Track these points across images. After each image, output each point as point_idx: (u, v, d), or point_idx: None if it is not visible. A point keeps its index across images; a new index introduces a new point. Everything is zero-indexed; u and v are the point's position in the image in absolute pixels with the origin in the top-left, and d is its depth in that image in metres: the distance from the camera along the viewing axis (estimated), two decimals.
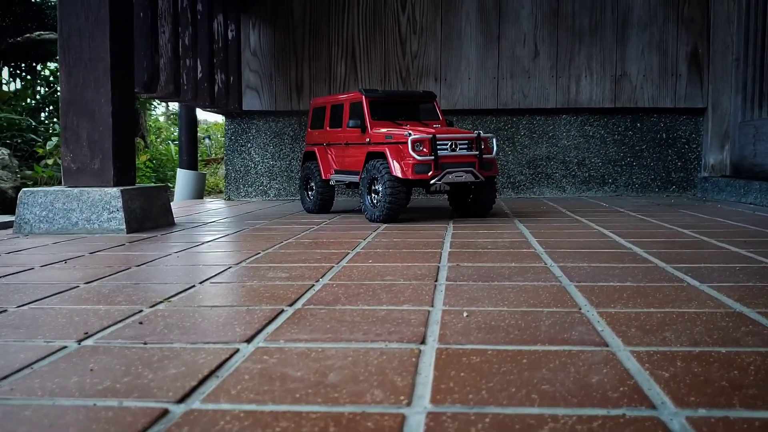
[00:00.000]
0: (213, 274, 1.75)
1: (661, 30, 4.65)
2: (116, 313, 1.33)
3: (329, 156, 3.56)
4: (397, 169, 2.96)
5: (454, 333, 1.14)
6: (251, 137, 4.95)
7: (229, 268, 1.86)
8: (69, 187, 2.88)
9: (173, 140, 11.94)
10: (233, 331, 1.16)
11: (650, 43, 4.66)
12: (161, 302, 1.43)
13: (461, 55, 4.72)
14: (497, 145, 3.10)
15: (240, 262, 1.95)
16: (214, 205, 4.47)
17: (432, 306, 1.34)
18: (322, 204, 3.60)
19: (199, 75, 4.06)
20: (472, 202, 3.23)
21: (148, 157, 10.19)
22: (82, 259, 2.06)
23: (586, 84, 4.70)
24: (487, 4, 4.69)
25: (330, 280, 1.65)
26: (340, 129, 3.44)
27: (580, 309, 1.32)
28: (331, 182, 3.51)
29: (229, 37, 4.55)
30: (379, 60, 4.77)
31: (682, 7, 4.64)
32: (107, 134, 2.89)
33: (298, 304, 1.37)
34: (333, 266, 1.85)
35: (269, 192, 4.96)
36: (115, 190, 2.81)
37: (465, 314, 1.27)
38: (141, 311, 1.34)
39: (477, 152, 3.05)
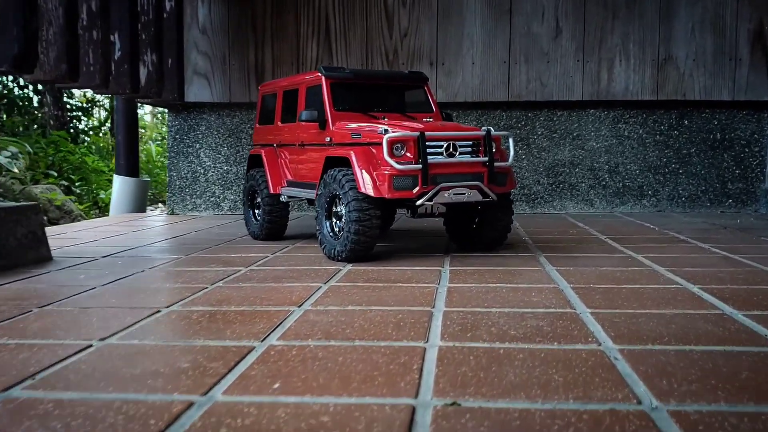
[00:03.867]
0: None
1: (716, 3, 3.67)
2: None
3: (280, 161, 2.58)
4: (366, 184, 1.98)
5: None
6: (200, 136, 3.97)
7: None
8: None
9: (155, 140, 11.04)
10: None
11: (702, 19, 3.67)
12: None
13: (463, 34, 3.73)
14: (514, 148, 2.09)
15: (21, 382, 0.97)
16: (147, 223, 3.49)
17: None
18: (271, 228, 2.61)
19: (117, 54, 3.07)
20: (479, 230, 2.24)
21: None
22: None
23: (621, 71, 3.71)
24: None
25: None
26: (294, 124, 2.46)
27: None
28: (283, 198, 2.53)
29: (166, 7, 3.56)
30: (359, 39, 3.78)
31: None
32: None
33: None
34: (191, 404, 0.87)
35: (222, 205, 3.97)
36: None
37: None
38: None
39: (486, 158, 2.07)
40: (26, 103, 8.67)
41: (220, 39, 3.83)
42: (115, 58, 3.08)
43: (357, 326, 1.27)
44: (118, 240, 2.75)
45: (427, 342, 1.16)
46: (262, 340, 1.18)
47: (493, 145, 2.09)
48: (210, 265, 2.05)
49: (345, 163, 2.09)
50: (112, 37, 3.06)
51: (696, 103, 3.76)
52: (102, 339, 1.21)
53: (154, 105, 3.82)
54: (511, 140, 2.18)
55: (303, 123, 2.35)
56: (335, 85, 2.29)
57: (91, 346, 1.17)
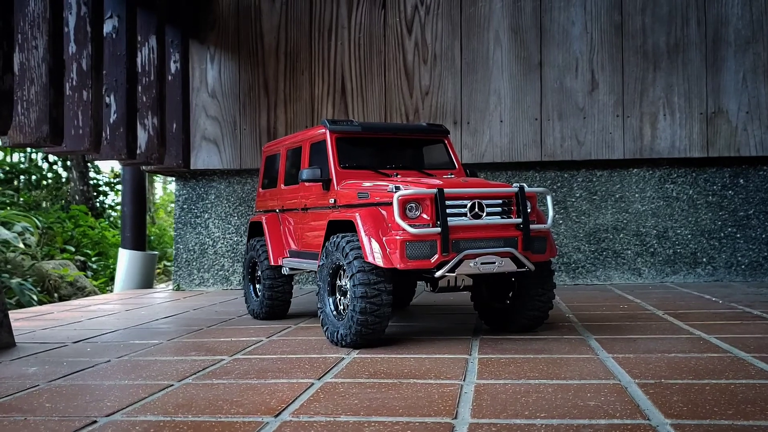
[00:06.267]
0: None
1: None
2: None
3: (283, 229, 2.26)
4: (374, 252, 1.63)
5: None
6: (209, 205, 3.69)
7: None
8: None
9: None
10: None
11: (755, 67, 3.34)
12: None
13: (489, 90, 3.45)
14: (553, 208, 1.75)
15: None
16: (146, 300, 3.18)
17: None
18: (272, 305, 2.27)
19: (113, 116, 2.83)
20: (514, 308, 1.87)
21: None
22: None
23: (666, 126, 3.37)
24: (522, 20, 3.44)
25: None
26: (297, 186, 2.15)
27: None
28: (285, 271, 2.20)
29: (172, 69, 3.35)
30: (377, 98, 3.52)
31: None
32: None
33: None
34: None
35: (232, 279, 3.65)
36: None
37: None
38: None
39: (520, 219, 1.72)
40: (46, 177, 8.59)
41: (230, 103, 3.59)
42: (111, 120, 2.84)
43: None
44: (102, 321, 2.43)
45: None
46: None
47: (528, 204, 1.75)
48: (189, 353, 1.71)
49: (350, 227, 1.76)
50: (107, 99, 2.83)
51: (752, 159, 3.38)
52: None
53: (157, 173, 3.57)
54: (549, 198, 1.83)
55: (306, 184, 2.04)
56: (342, 139, 1.98)
57: None
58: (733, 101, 3.35)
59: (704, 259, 3.41)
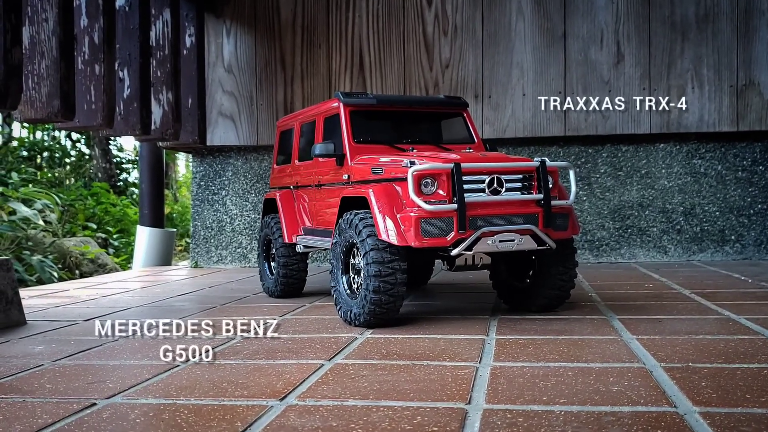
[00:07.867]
0: None
1: None
2: None
3: (297, 206, 2.21)
4: (388, 229, 1.57)
5: None
6: (226, 182, 3.65)
7: None
8: None
9: None
10: None
11: None
12: None
13: (511, 63, 3.35)
14: (576, 183, 1.67)
15: None
16: (163, 278, 3.16)
17: None
18: (287, 284, 2.22)
19: (126, 91, 2.79)
20: (534, 287, 1.80)
21: (166, 212, 9.08)
22: None
23: (694, 99, 3.25)
24: None
25: None
26: (311, 161, 2.10)
27: None
28: (299, 248, 2.15)
29: (187, 43, 3.30)
30: (396, 72, 3.44)
31: None
32: None
33: None
34: None
35: (249, 256, 3.62)
36: None
37: None
38: None
39: (541, 195, 1.65)
40: (68, 155, 8.62)
41: (247, 78, 3.53)
42: (124, 95, 2.79)
43: None
44: (117, 299, 2.41)
45: None
46: None
47: (550, 179, 1.67)
48: (200, 332, 1.67)
49: (364, 204, 1.70)
50: (120, 74, 2.78)
51: None
52: None
53: (173, 149, 3.54)
54: (571, 173, 1.75)
55: (319, 159, 1.98)
56: (356, 113, 1.92)
57: None
58: (765, 73, 3.21)
59: (732, 237, 3.30)
